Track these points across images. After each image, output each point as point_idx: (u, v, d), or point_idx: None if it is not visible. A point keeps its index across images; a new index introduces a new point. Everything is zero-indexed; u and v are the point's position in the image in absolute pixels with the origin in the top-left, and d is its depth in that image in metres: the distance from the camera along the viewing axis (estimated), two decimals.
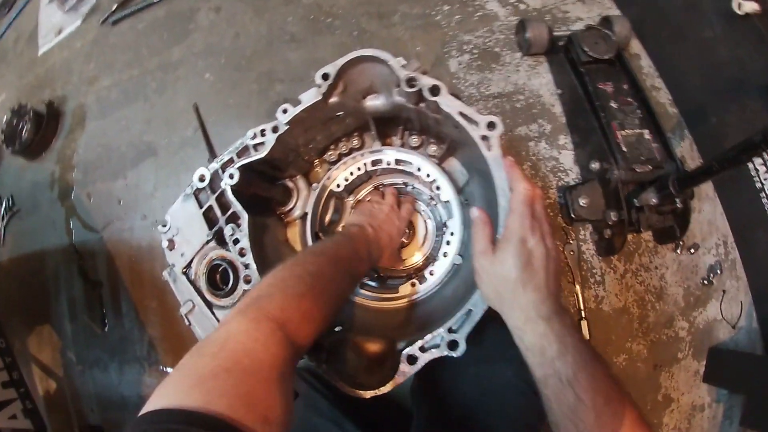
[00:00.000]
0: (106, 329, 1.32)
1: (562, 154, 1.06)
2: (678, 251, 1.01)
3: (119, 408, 1.30)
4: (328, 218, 0.84)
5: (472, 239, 0.59)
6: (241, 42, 1.35)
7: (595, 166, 0.95)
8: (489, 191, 0.61)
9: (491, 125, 0.59)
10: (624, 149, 0.91)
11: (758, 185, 0.92)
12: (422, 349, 0.59)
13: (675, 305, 1.00)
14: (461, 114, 0.61)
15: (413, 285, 0.78)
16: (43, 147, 1.53)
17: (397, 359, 0.59)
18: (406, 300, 0.78)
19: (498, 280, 0.53)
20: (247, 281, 0.68)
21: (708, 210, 1.01)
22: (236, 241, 0.69)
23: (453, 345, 0.58)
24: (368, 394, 0.60)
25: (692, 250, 1.01)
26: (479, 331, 0.67)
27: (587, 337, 0.98)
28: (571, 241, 1.02)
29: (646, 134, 0.93)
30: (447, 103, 0.61)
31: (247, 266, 0.68)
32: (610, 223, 0.91)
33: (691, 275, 1.00)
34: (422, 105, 0.68)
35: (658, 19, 1.06)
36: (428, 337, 0.59)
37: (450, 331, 0.58)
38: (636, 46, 1.09)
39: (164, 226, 0.76)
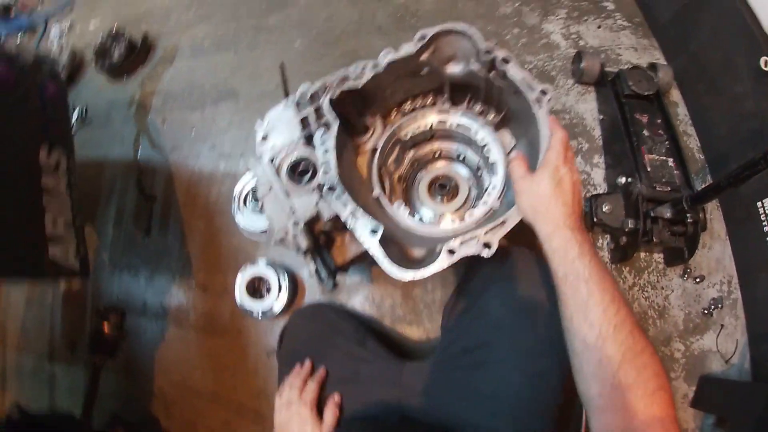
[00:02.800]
0: (148, 238, 1.55)
1: (594, 171, 1.30)
2: (684, 278, 1.20)
3: (139, 313, 1.49)
4: (390, 160, 1.10)
5: (512, 170, 0.78)
6: (333, 23, 1.64)
7: (621, 180, 1.18)
8: (532, 155, 0.86)
9: (544, 91, 0.84)
10: (648, 169, 1.14)
11: (766, 228, 1.08)
12: (460, 245, 0.81)
13: (674, 327, 1.17)
14: (524, 80, 0.87)
15: (452, 221, 1.01)
16: (129, 71, 1.79)
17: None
18: (446, 231, 1.00)
19: (535, 196, 0.72)
20: (325, 173, 0.90)
21: (718, 249, 1.20)
22: (323, 142, 0.93)
23: (487, 245, 0.77)
24: (407, 275, 0.78)
25: (698, 280, 1.19)
26: (505, 253, 0.90)
27: None
28: None
29: (670, 162, 1.16)
30: (514, 70, 0.88)
31: (327, 162, 0.91)
32: (626, 230, 1.14)
33: (693, 303, 1.18)
34: (492, 74, 0.94)
35: (698, 72, 1.29)
36: (467, 235, 0.81)
37: (485, 233, 0.80)
38: (676, 95, 1.34)
39: (261, 121, 1.01)
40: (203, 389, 1.37)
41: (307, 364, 0.97)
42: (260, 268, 1.31)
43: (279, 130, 1.00)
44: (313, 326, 1.08)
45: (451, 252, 0.78)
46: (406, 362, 0.97)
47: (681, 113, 1.34)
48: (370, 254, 0.82)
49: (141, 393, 1.43)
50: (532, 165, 0.80)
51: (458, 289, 1.01)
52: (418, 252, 0.91)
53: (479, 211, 0.98)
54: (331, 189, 0.87)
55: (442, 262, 0.78)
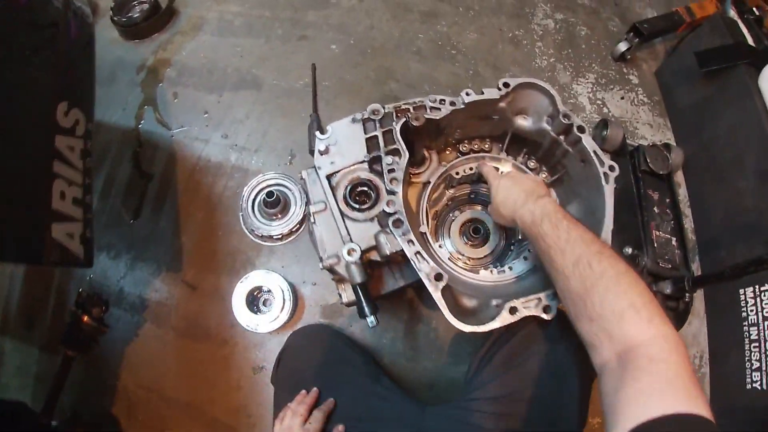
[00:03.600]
0: (135, 221, 1.42)
1: (601, 237, 1.34)
2: None
3: (113, 302, 1.34)
4: (435, 196, 1.08)
5: (488, 176, 0.97)
6: (373, 34, 1.61)
7: (627, 250, 1.23)
8: (587, 221, 0.86)
9: (612, 168, 0.87)
10: (656, 245, 1.20)
11: (743, 314, 1.20)
12: (524, 306, 0.80)
13: None
14: (595, 153, 0.88)
15: (491, 272, 1.00)
16: (145, 33, 1.66)
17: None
18: (485, 281, 0.99)
19: (508, 186, 0.87)
20: (389, 205, 0.86)
21: (696, 325, 1.30)
22: (391, 170, 0.89)
23: (547, 309, 0.79)
24: (468, 328, 0.78)
25: None
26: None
27: None
28: None
29: (674, 241, 1.23)
30: (588, 141, 0.89)
31: (393, 193, 0.88)
32: None
33: None
34: (562, 137, 0.95)
35: (707, 161, 1.40)
36: (530, 296, 0.80)
37: (546, 296, 0.80)
38: (679, 176, 1.43)
39: (323, 133, 0.96)
40: (175, 397, 1.26)
41: (314, 392, 0.93)
42: (266, 279, 1.25)
43: (341, 146, 0.95)
44: (319, 352, 1.05)
45: (513, 310, 0.79)
46: (427, 406, 0.95)
47: (682, 194, 1.43)
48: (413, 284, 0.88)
49: (104, 389, 1.30)
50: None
51: (494, 340, 1.00)
52: (469, 302, 0.90)
53: (520, 266, 0.98)
54: (398, 222, 0.84)
55: (504, 319, 0.79)
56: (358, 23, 1.63)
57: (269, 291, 1.25)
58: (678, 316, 1.19)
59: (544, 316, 0.79)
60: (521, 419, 0.80)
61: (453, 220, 1.16)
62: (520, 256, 1.00)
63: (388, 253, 0.85)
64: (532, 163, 1.08)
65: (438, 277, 0.80)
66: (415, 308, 1.30)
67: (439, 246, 1.04)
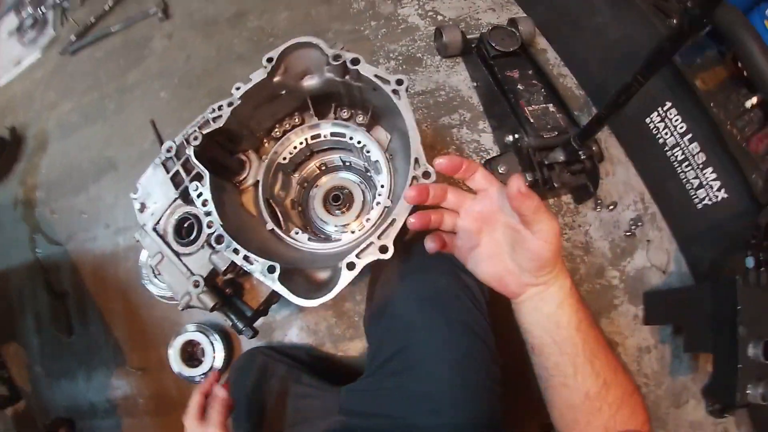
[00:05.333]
0: (72, 337, 1.49)
1: (482, 137, 1.35)
2: (598, 209, 1.27)
3: (89, 416, 1.45)
4: (276, 189, 1.13)
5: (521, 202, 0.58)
6: (192, 63, 1.63)
7: (509, 138, 1.24)
8: (406, 145, 0.90)
9: (399, 81, 0.87)
10: (531, 120, 1.20)
11: (660, 141, 1.18)
12: (358, 256, 0.83)
13: (603, 257, 1.23)
14: (376, 76, 0.89)
15: (353, 232, 1.05)
16: (5, 171, 1.72)
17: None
18: (347, 244, 1.03)
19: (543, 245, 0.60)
20: (209, 227, 0.92)
21: (621, 172, 1.29)
22: (200, 195, 0.93)
23: (383, 249, 0.77)
24: (313, 302, 0.78)
25: (611, 207, 1.26)
26: (406, 248, 0.95)
27: None
28: None
29: (551, 107, 1.22)
30: (365, 69, 0.90)
31: (209, 214, 0.92)
32: (526, 184, 1.21)
33: (614, 229, 1.25)
34: (347, 78, 0.95)
35: (558, 16, 1.38)
36: (363, 245, 0.83)
37: (379, 237, 0.80)
38: (543, 43, 1.41)
39: (135, 192, 1.01)
40: None
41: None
42: (187, 335, 1.31)
43: (153, 194, 1.00)
44: (247, 377, 1.09)
45: (351, 266, 0.78)
46: (342, 387, 0.99)
47: (551, 57, 1.41)
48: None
49: None
50: (405, 154, 0.84)
51: (368, 295, 1.04)
52: (323, 274, 0.94)
53: (375, 213, 1.00)
54: (220, 239, 0.89)
55: (345, 278, 0.79)
56: (176, 60, 1.66)
57: (196, 342, 1.32)
58: (590, 175, 1.22)
59: (384, 257, 0.78)
60: (420, 362, 0.83)
61: (313, 198, 1.19)
62: (374, 203, 1.03)
63: (223, 268, 0.90)
64: (344, 113, 1.10)
65: (270, 269, 0.83)
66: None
67: (295, 233, 1.08)
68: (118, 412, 1.43)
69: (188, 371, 1.29)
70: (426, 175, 0.79)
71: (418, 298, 0.86)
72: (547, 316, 0.60)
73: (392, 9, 1.58)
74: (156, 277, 1.32)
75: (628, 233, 1.26)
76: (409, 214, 0.71)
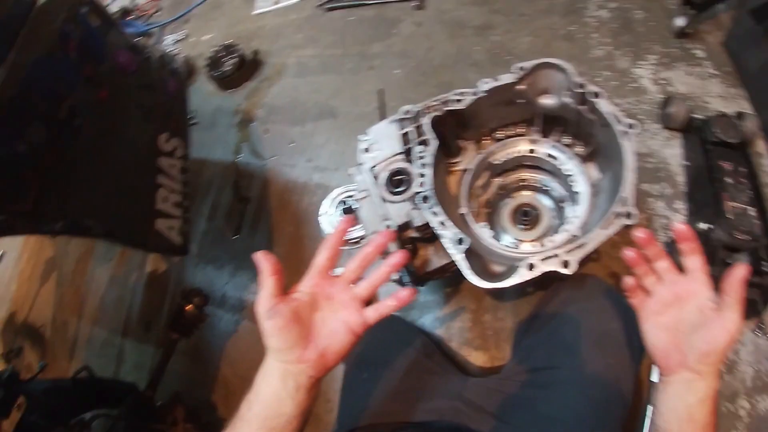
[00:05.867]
0: (236, 237, 1.80)
1: (675, 216, 1.40)
2: (757, 333, 1.26)
3: (218, 304, 1.72)
4: (478, 185, 1.27)
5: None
6: (432, 54, 1.89)
7: (701, 226, 1.29)
8: (616, 187, 0.99)
9: (631, 125, 0.98)
10: (728, 216, 1.25)
11: None
12: (540, 261, 0.92)
13: (742, 383, 1.20)
14: (611, 114, 1.01)
15: (533, 246, 1.16)
16: (237, 83, 2.13)
17: None
18: (525, 253, 1.14)
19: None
20: (421, 186, 1.05)
21: None
22: (422, 157, 1.11)
23: (566, 264, 0.85)
24: (486, 284, 0.90)
25: None
26: (581, 282, 1.02)
27: (656, 380, 1.17)
28: None
29: (751, 211, 1.25)
30: (603, 104, 1.02)
31: (423, 175, 1.06)
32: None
33: (764, 361, 1.21)
34: (583, 107, 1.09)
35: None
36: (548, 252, 0.93)
37: (566, 252, 0.90)
38: (762, 147, 1.43)
39: (365, 135, 1.21)
40: None
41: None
42: None
43: (380, 143, 1.19)
44: (383, 335, 1.14)
45: (531, 267, 0.90)
46: (470, 378, 1.07)
47: (766, 164, 1.42)
48: (455, 264, 0.95)
49: (205, 378, 1.63)
50: (612, 195, 0.93)
51: (533, 313, 1.12)
52: (498, 268, 1.06)
53: (560, 237, 1.11)
54: (425, 199, 1.04)
55: (522, 275, 0.90)
56: (418, 47, 1.93)
57: None
58: (764, 293, 1.20)
59: (564, 271, 0.85)
60: (562, 385, 0.86)
61: (503, 206, 1.31)
62: (560, 229, 1.14)
63: (419, 224, 1.06)
64: (567, 140, 1.22)
65: (460, 241, 0.97)
66: (480, 300, 1.45)
67: (481, 225, 1.20)
68: (243, 312, 1.69)
69: None
70: (627, 215, 0.88)
71: (582, 327, 0.90)
72: (687, 406, 0.64)
73: (627, 65, 1.69)
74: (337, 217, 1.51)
75: None
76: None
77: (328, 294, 0.72)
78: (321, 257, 0.76)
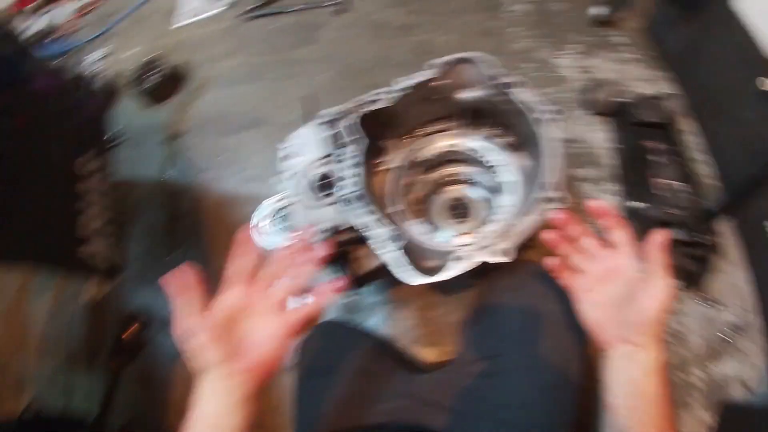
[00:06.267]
0: (170, 257, 1.74)
1: (605, 197, 1.44)
2: (700, 303, 1.27)
3: (160, 328, 1.62)
4: (405, 183, 1.27)
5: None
6: (355, 57, 1.90)
7: (635, 204, 1.32)
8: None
9: (545, 112, 1.00)
10: (659, 193, 1.29)
11: None
12: (472, 252, 0.92)
13: (690, 351, 1.24)
14: (525, 102, 1.03)
15: (471, 237, 1.16)
16: (162, 98, 2.07)
17: None
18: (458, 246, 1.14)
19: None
20: (354, 186, 1.04)
21: (732, 272, 1.28)
22: (340, 160, 1.09)
23: (505, 252, 0.88)
24: (417, 280, 0.91)
25: (714, 304, 1.26)
26: (517, 268, 1.00)
27: None
28: None
29: (680, 186, 1.29)
30: (517, 93, 1.04)
31: (356, 175, 1.05)
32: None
33: (711, 328, 1.25)
34: (498, 99, 1.11)
35: (706, 102, 1.45)
36: (480, 244, 0.93)
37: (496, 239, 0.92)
38: (687, 125, 1.48)
39: (284, 143, 1.21)
40: None
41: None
42: None
43: (302, 149, 1.18)
44: (329, 342, 1.13)
45: (460, 258, 0.92)
46: (416, 374, 1.06)
47: (691, 140, 1.48)
48: (387, 264, 0.96)
49: (158, 403, 1.57)
50: (532, 178, 0.95)
51: (477, 304, 1.13)
52: (432, 263, 1.05)
53: (491, 227, 1.13)
54: (361, 198, 1.02)
55: (454, 269, 0.90)
56: (341, 51, 1.94)
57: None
58: (703, 264, 1.26)
59: (504, 259, 0.88)
60: (507, 372, 0.85)
61: (435, 202, 1.32)
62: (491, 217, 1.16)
63: (349, 225, 1.05)
64: (497, 131, 1.23)
65: (396, 238, 0.97)
66: (426, 296, 1.43)
67: (413, 223, 1.20)
68: None
69: None
70: (548, 200, 0.91)
71: (524, 313, 0.90)
72: (632, 379, 0.65)
73: (547, 56, 1.74)
74: (271, 227, 1.49)
75: (724, 337, 1.24)
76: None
77: (249, 303, 0.70)
78: (237, 265, 0.73)
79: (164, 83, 2.04)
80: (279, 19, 2.12)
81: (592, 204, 0.74)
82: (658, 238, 0.67)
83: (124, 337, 1.52)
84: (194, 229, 1.76)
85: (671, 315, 1.30)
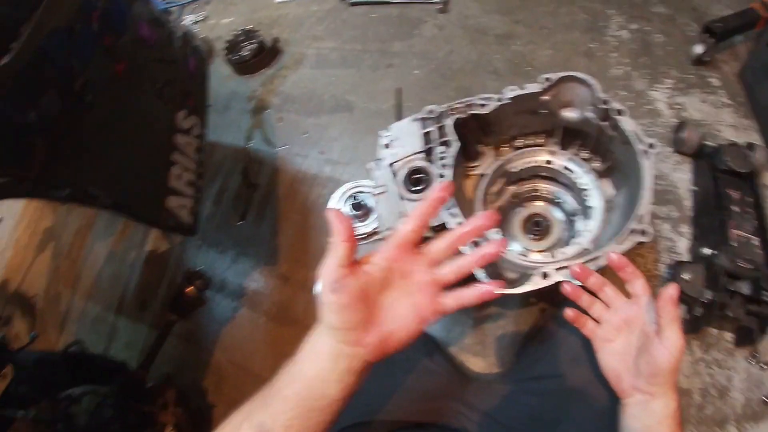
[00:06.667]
0: (241, 223, 1.76)
1: (679, 240, 1.39)
2: (750, 361, 1.28)
3: (217, 288, 1.68)
4: (492, 191, 1.24)
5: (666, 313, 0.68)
6: (452, 58, 1.87)
7: (704, 251, 1.28)
8: (631, 204, 0.97)
9: (652, 145, 0.97)
10: (732, 243, 1.24)
11: None
12: (555, 270, 0.92)
13: (732, 409, 1.22)
14: (633, 132, 1.00)
15: (543, 255, 1.13)
16: (254, 69, 2.09)
17: None
18: (535, 262, 1.12)
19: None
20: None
21: None
22: (443, 158, 1.09)
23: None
24: (498, 289, 0.91)
25: (764, 366, 1.27)
26: None
27: None
28: None
29: (755, 240, 1.25)
30: (626, 121, 1.01)
31: (443, 176, 1.06)
32: (703, 300, 1.23)
33: (755, 389, 1.22)
34: (605, 123, 1.08)
35: None
36: (562, 263, 0.93)
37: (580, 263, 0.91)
38: None
39: (387, 131, 1.18)
40: (260, 373, 1.51)
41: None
42: None
43: (401, 140, 1.17)
44: None
45: (545, 275, 0.91)
46: (472, 380, 1.07)
47: None
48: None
49: (198, 363, 1.60)
50: (626, 212, 0.92)
51: (540, 324, 1.10)
52: (510, 275, 1.03)
53: (570, 249, 1.10)
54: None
55: (536, 283, 0.91)
56: (439, 49, 1.90)
57: None
58: (761, 321, 1.22)
59: (577, 282, 0.86)
60: (566, 393, 0.85)
61: (515, 215, 1.29)
62: (570, 242, 1.12)
63: (435, 224, 1.03)
64: (585, 154, 1.22)
65: (474, 245, 0.95)
66: (483, 306, 1.41)
67: (494, 232, 1.17)
68: (242, 300, 1.66)
69: None
70: (642, 232, 0.89)
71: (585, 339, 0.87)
72: (646, 427, 0.66)
73: (644, 87, 1.69)
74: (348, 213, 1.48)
75: (765, 399, 1.22)
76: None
77: (406, 272, 0.62)
78: (406, 227, 0.62)
79: (258, 55, 2.06)
80: (382, 9, 2.10)
81: (611, 257, 0.76)
82: (669, 292, 0.67)
83: (187, 291, 1.53)
84: (267, 201, 1.77)
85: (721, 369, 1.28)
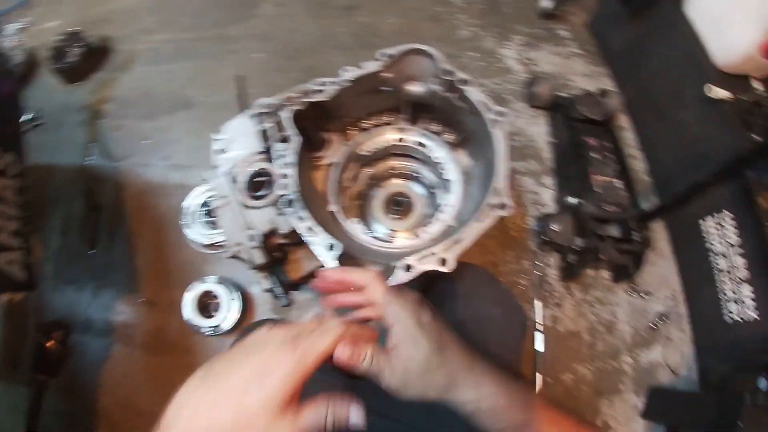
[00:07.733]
0: (94, 251, 1.56)
1: (544, 191, 1.41)
2: (631, 294, 1.32)
3: (83, 330, 1.48)
4: (346, 177, 1.15)
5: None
6: (296, 36, 1.74)
7: (570, 200, 1.29)
8: (488, 174, 0.91)
9: (501, 113, 0.91)
10: (596, 190, 1.26)
11: (707, 246, 1.21)
12: (418, 261, 0.84)
13: (622, 341, 1.28)
14: (480, 101, 0.93)
15: (407, 239, 1.06)
16: (83, 75, 1.83)
17: None
18: (400, 248, 1.05)
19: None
20: (284, 189, 0.92)
21: (663, 266, 1.33)
22: (284, 156, 0.97)
23: (443, 262, 0.82)
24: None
25: (644, 295, 1.32)
26: (460, 272, 0.95)
27: (542, 349, 1.26)
28: (537, 263, 1.33)
29: (617, 183, 1.28)
30: (472, 91, 0.94)
31: (287, 176, 0.94)
32: (575, 248, 1.23)
33: (640, 317, 1.30)
34: (451, 95, 1.00)
35: (647, 100, 1.44)
36: (424, 252, 0.85)
37: (443, 250, 0.83)
38: (625, 121, 1.48)
39: (220, 133, 1.05)
40: (148, 409, 1.37)
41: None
42: (209, 285, 1.37)
43: (237, 142, 1.04)
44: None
45: (408, 268, 0.83)
46: (358, 379, 0.99)
47: (629, 137, 1.48)
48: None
49: (85, 412, 1.42)
50: (485, 183, 0.89)
51: None
52: (374, 268, 0.95)
53: (434, 228, 1.04)
54: (290, 203, 0.90)
55: (398, 277, 0.83)
56: (280, 29, 1.77)
57: (215, 296, 1.33)
58: (634, 258, 1.27)
59: (442, 269, 0.82)
60: None
61: (374, 196, 1.21)
62: (433, 218, 1.06)
63: (285, 231, 0.93)
64: (436, 127, 1.15)
65: (331, 247, 0.86)
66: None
67: (353, 222, 1.09)
68: (113, 336, 1.48)
69: (198, 320, 1.34)
70: (501, 206, 0.84)
71: (470, 317, 0.86)
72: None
73: (494, 46, 1.68)
74: (201, 222, 1.33)
75: (652, 325, 1.30)
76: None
77: None
78: None
79: (86, 58, 1.80)
80: None
81: (319, 285, 0.71)
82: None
83: (47, 346, 1.33)
84: (116, 221, 1.57)
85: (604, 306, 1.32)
